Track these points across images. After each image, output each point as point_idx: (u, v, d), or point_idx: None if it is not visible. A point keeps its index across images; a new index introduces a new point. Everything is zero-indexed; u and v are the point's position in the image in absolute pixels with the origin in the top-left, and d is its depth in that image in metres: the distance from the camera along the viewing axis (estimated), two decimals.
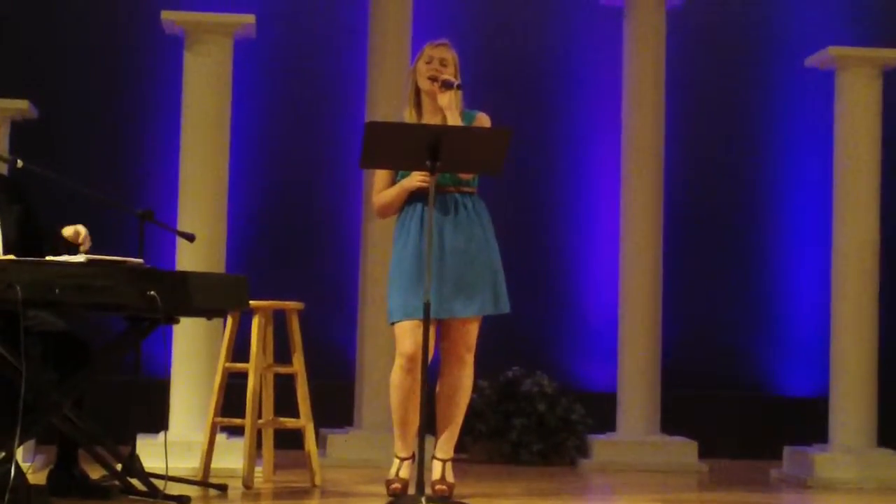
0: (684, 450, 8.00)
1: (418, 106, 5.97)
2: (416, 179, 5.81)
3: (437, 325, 5.84)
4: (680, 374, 8.63)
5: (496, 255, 5.91)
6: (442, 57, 5.90)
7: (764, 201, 9.15)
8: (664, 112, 8.26)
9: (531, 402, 8.18)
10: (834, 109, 7.82)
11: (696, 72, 9.04)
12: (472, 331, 5.89)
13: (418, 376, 5.67)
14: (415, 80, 5.96)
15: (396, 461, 5.96)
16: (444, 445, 5.97)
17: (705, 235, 9.07)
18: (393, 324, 5.88)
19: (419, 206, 5.86)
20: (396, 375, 5.86)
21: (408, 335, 5.79)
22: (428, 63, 5.90)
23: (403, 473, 5.92)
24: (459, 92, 5.88)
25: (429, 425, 5.65)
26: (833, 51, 7.72)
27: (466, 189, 5.89)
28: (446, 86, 5.81)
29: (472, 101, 6.01)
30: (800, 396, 8.90)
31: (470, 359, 5.92)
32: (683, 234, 8.85)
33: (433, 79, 5.85)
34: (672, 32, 8.40)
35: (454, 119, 5.80)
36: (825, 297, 7.95)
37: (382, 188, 5.96)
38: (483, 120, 5.97)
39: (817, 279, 8.74)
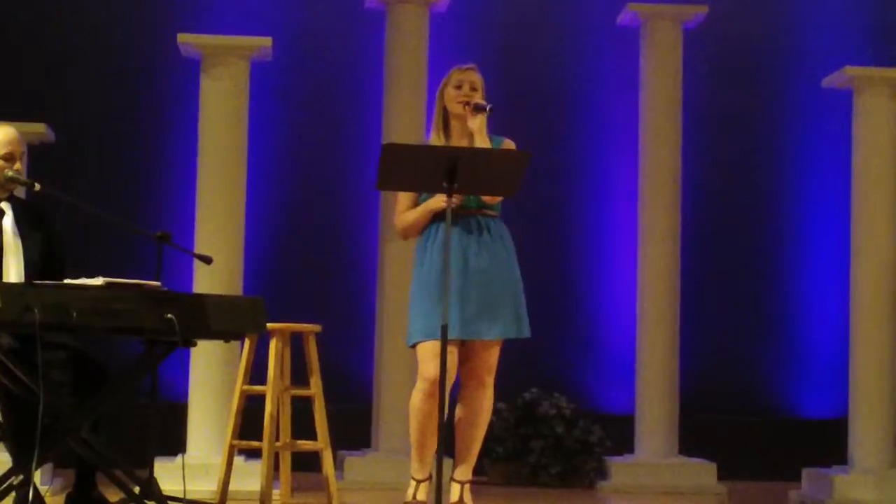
0: (703, 472, 7.97)
1: (446, 129, 5.95)
2: (441, 201, 5.78)
3: (460, 348, 5.81)
4: (698, 396, 8.60)
5: (518, 278, 5.88)
6: (472, 80, 5.90)
7: (782, 223, 9.13)
8: (681, 133, 8.25)
9: (549, 425, 8.16)
10: (852, 129, 7.81)
11: (714, 92, 9.03)
12: (495, 354, 5.86)
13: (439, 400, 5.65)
14: (442, 104, 5.94)
15: (413, 483, 5.93)
16: (463, 468, 5.95)
17: (723, 257, 9.05)
18: (414, 346, 5.85)
19: (442, 227, 5.82)
20: (417, 399, 5.81)
21: (431, 358, 5.72)
22: (458, 88, 5.88)
23: (421, 495, 5.90)
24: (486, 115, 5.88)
25: (446, 447, 5.62)
26: (850, 71, 7.70)
27: (490, 212, 5.87)
28: (478, 109, 5.81)
29: (489, 125, 6.00)
30: (819, 418, 8.86)
31: (490, 382, 5.89)
32: (701, 255, 8.83)
33: (466, 103, 5.84)
34: (689, 53, 8.39)
35: (483, 142, 5.80)
36: (844, 319, 7.93)
37: (405, 209, 5.93)
38: (510, 146, 5.95)
39: (836, 300, 8.71)
